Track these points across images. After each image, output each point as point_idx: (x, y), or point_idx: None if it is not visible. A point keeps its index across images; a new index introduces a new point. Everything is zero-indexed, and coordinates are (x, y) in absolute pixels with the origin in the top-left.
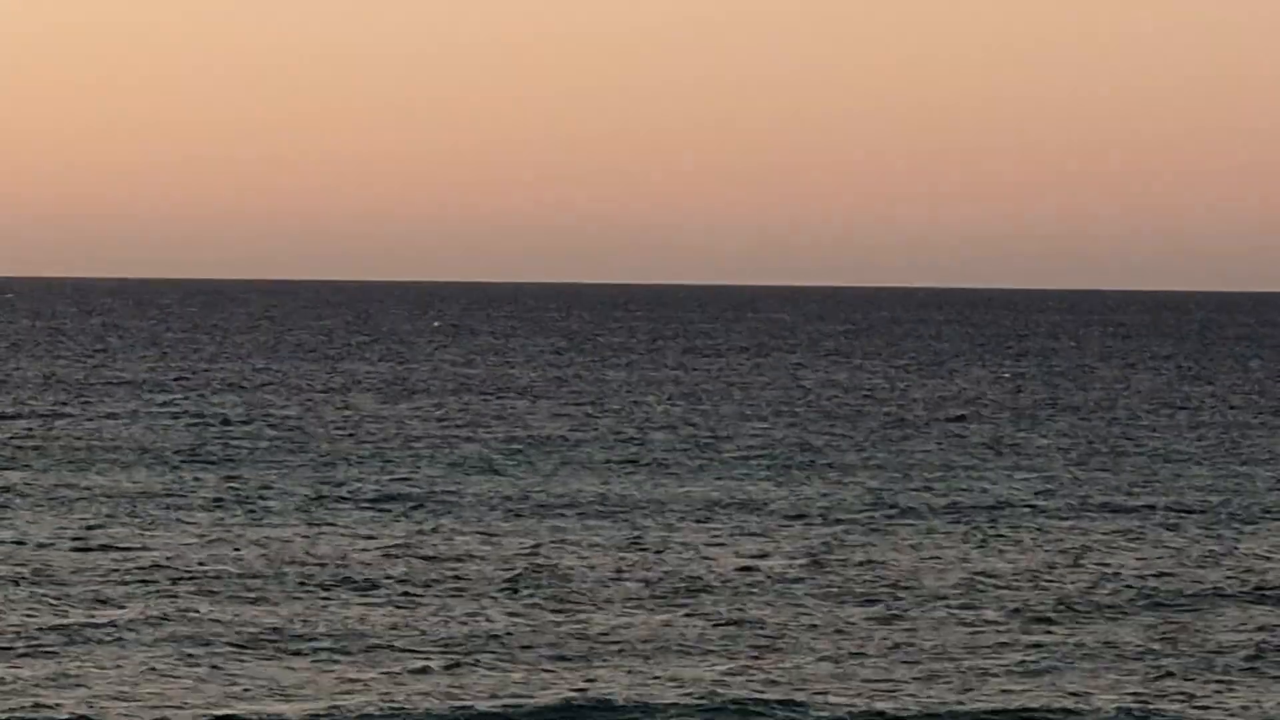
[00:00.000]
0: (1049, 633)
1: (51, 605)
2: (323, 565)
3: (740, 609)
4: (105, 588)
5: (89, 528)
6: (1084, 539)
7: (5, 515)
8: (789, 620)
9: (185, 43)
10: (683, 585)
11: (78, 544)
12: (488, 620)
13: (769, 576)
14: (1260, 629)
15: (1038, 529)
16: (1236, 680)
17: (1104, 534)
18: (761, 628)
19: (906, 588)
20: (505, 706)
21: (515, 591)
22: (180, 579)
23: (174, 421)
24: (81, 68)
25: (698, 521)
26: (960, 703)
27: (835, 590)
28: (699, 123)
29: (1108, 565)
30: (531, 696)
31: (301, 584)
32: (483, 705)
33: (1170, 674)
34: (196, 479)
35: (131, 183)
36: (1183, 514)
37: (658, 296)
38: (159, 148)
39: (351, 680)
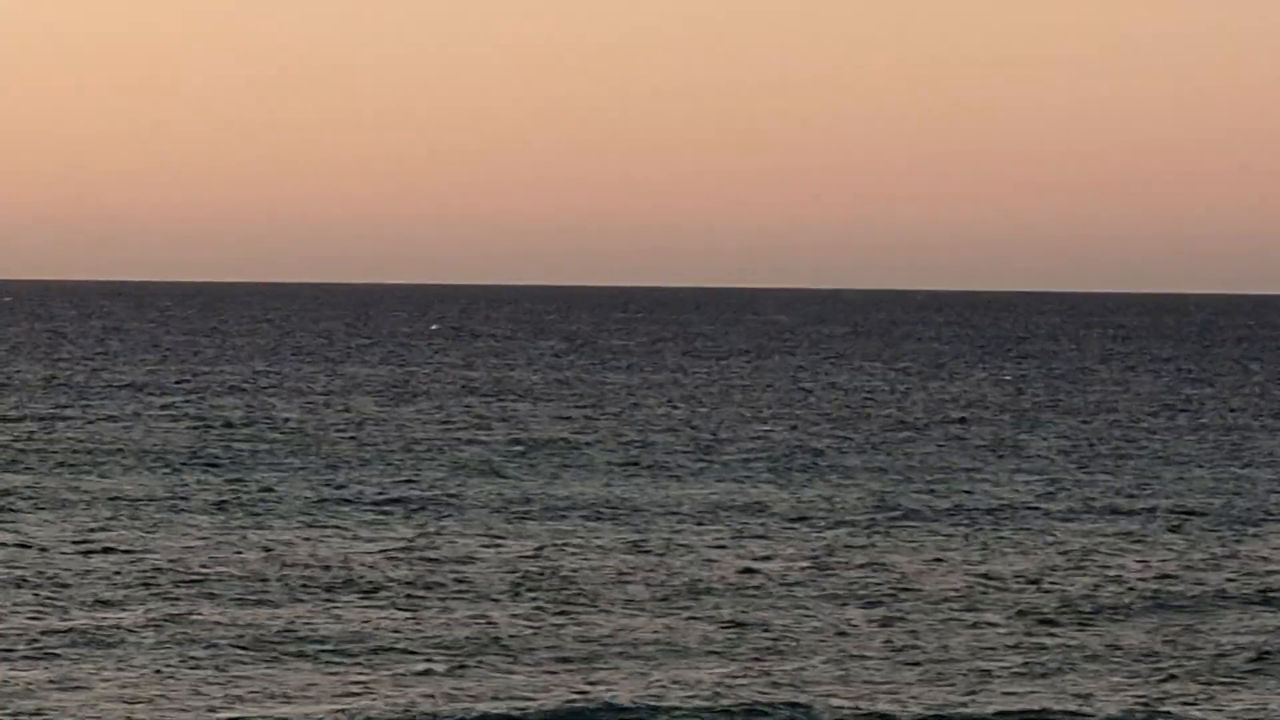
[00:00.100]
0: (1052, 635)
1: (54, 608)
2: (325, 568)
3: (743, 611)
4: (107, 591)
5: (91, 531)
6: (1086, 541)
7: (7, 518)
8: (792, 622)
9: (185, 45)
10: (685, 587)
11: (80, 547)
12: (491, 623)
13: (771, 579)
14: (1263, 631)
15: (1040, 531)
16: (1239, 682)
17: (1106, 536)
18: (764, 630)
19: (909, 590)
20: (509, 709)
21: (518, 594)
22: (182, 582)
23: (175, 424)
24: (82, 69)
25: (700, 524)
26: (963, 705)
27: (837, 592)
28: (699, 124)
29: (1110, 568)
30: (535, 699)
31: (304, 587)
32: (486, 708)
33: (1173, 676)
34: (198, 482)
35: (132, 185)
36: (1185, 516)
37: (658, 298)
38: (159, 150)
39: (355, 683)
